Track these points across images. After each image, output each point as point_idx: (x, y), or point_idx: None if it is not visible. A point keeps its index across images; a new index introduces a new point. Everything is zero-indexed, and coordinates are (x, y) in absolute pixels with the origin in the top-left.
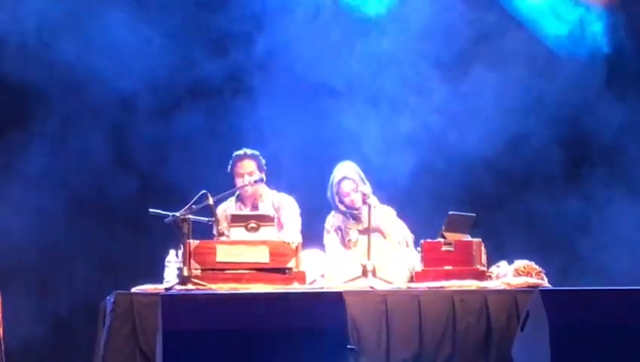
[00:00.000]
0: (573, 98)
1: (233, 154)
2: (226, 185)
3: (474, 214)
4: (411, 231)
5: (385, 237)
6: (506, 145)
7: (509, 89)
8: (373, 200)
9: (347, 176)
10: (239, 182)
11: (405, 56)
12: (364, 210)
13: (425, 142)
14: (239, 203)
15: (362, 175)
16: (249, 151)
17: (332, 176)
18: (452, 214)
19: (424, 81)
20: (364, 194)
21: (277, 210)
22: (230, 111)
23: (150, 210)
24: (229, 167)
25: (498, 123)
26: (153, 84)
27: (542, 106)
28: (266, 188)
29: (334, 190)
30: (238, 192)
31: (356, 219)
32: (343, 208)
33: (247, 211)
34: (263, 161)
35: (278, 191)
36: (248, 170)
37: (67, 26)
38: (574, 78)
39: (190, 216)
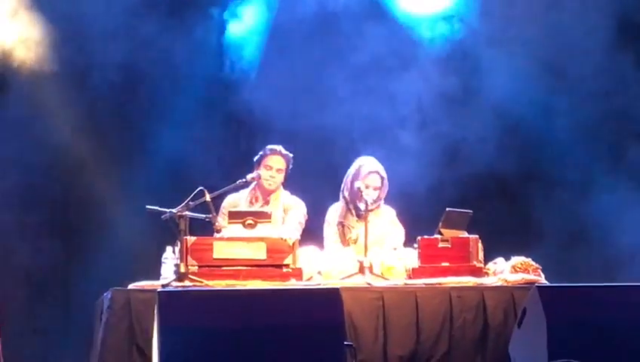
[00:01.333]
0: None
1: (268, 146)
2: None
3: (471, 211)
4: (411, 228)
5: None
6: (520, 135)
7: (519, 80)
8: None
9: (379, 172)
10: (265, 174)
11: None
12: (375, 212)
13: (426, 136)
14: (254, 192)
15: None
16: (284, 151)
17: (358, 166)
18: (449, 210)
19: (428, 70)
20: (379, 196)
21: (285, 210)
22: (226, 97)
23: (147, 206)
24: (258, 156)
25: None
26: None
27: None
28: (282, 188)
29: (360, 178)
30: (255, 182)
31: (359, 216)
32: (360, 198)
33: (258, 205)
34: (291, 166)
35: (291, 193)
36: (278, 166)
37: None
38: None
39: (187, 212)
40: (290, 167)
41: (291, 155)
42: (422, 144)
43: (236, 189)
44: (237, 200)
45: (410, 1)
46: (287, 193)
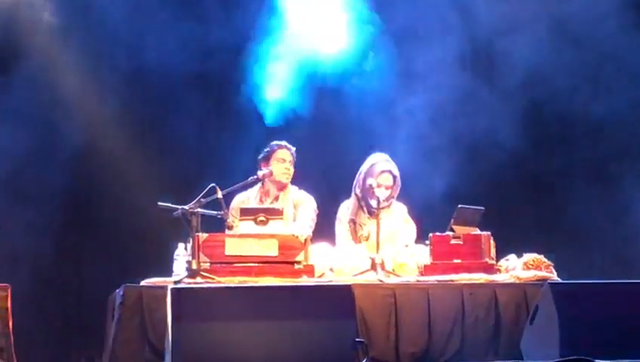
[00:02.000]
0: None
1: (274, 142)
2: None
3: (482, 208)
4: (425, 225)
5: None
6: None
7: (542, 72)
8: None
9: (391, 171)
10: (280, 167)
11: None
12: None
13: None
14: (262, 189)
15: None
16: (289, 145)
17: (370, 164)
18: (461, 207)
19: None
20: (391, 194)
21: (295, 206)
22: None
23: (159, 203)
24: (265, 153)
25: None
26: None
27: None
28: (290, 184)
29: (373, 176)
30: (265, 179)
31: (371, 213)
32: (372, 195)
33: (267, 202)
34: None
35: (299, 188)
36: (289, 158)
37: None
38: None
39: (199, 209)
40: (295, 160)
41: (294, 148)
42: (439, 139)
43: (247, 186)
44: (246, 199)
45: None
46: (295, 188)
